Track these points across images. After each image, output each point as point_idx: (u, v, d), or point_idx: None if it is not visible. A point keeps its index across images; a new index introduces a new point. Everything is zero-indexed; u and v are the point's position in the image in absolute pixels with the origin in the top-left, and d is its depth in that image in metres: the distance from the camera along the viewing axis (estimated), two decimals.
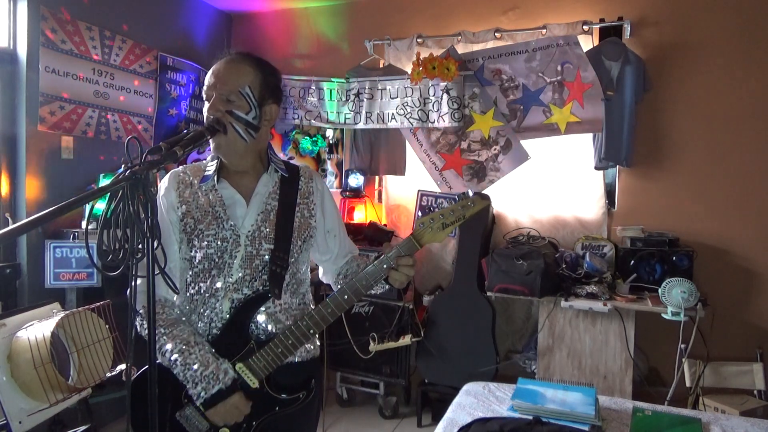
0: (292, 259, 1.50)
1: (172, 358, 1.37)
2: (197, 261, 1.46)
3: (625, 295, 3.06)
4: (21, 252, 3.01)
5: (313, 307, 1.57)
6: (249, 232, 1.46)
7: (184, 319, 1.46)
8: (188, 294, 1.48)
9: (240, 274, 1.45)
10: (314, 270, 1.71)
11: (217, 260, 1.44)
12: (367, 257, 1.72)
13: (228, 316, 1.44)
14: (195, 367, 1.36)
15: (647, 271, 3.17)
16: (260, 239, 1.46)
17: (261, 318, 1.46)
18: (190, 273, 1.47)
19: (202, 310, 1.46)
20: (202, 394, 1.35)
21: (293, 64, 4.25)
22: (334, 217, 1.63)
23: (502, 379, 2.82)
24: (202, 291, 1.46)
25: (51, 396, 2.18)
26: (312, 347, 1.57)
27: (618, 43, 3.33)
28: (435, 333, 3.43)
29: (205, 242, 1.44)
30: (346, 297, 1.42)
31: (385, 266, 1.41)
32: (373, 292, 1.49)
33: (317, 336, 1.51)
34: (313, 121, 3.92)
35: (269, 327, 1.46)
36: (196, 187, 1.49)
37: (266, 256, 1.46)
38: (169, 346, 1.38)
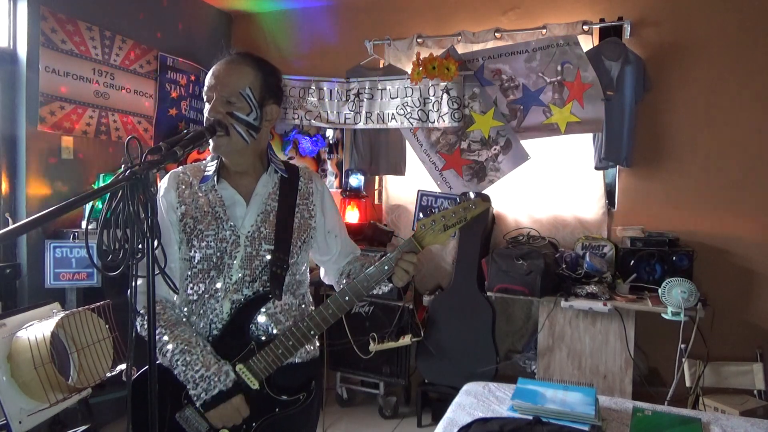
0: (292, 260, 1.50)
1: (174, 358, 1.37)
2: (196, 261, 1.45)
3: (625, 295, 3.06)
4: (21, 252, 3.01)
5: (312, 308, 1.56)
6: (249, 232, 1.46)
7: (185, 319, 1.46)
8: (187, 295, 1.48)
9: (240, 275, 1.44)
10: (314, 270, 1.71)
11: (216, 261, 1.44)
12: (366, 257, 1.71)
13: (228, 317, 1.44)
14: (197, 368, 1.36)
15: (647, 271, 3.17)
16: (260, 240, 1.46)
17: (261, 319, 1.45)
18: (190, 273, 1.47)
19: (202, 311, 1.46)
20: (203, 395, 1.35)
21: (293, 64, 4.25)
22: (334, 218, 1.63)
23: (502, 379, 2.82)
24: (201, 292, 1.45)
25: (51, 396, 2.17)
26: (312, 348, 1.57)
27: (618, 43, 3.33)
28: (435, 333, 3.43)
29: (205, 243, 1.44)
30: (347, 298, 1.42)
31: (386, 267, 1.41)
32: (375, 291, 1.49)
33: (317, 337, 1.51)
34: (313, 121, 3.92)
35: (269, 328, 1.46)
36: (195, 188, 1.49)
37: (266, 257, 1.46)
38: (170, 347, 1.38)
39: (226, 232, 1.45)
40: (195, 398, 1.36)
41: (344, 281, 1.61)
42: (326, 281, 1.74)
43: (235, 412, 1.37)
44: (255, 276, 1.45)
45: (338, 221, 1.65)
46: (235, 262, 1.44)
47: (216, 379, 1.35)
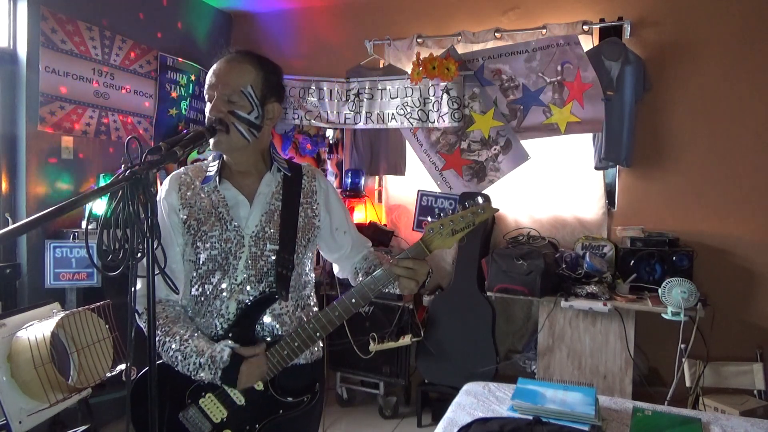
0: (297, 260, 1.49)
1: (172, 355, 1.37)
2: (201, 263, 1.45)
3: (625, 295, 3.06)
4: (21, 252, 3.01)
5: (316, 309, 1.56)
6: (253, 233, 1.45)
7: (182, 316, 1.45)
8: (193, 296, 1.47)
9: (245, 275, 1.44)
10: (315, 270, 1.71)
11: (221, 261, 1.44)
12: (380, 251, 1.70)
13: (234, 317, 1.44)
14: (193, 358, 1.35)
15: (647, 271, 3.17)
16: (264, 240, 1.45)
17: (267, 320, 1.45)
18: (195, 275, 1.46)
19: (207, 312, 1.45)
20: (215, 380, 1.35)
21: (293, 64, 4.24)
22: (341, 214, 1.62)
23: (502, 379, 2.82)
24: (207, 293, 1.45)
25: (51, 396, 2.17)
26: (316, 349, 1.56)
27: (618, 43, 3.33)
28: (435, 333, 3.43)
29: (209, 244, 1.43)
30: (353, 301, 1.41)
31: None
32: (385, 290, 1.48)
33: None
34: (313, 121, 3.92)
35: (275, 329, 1.46)
36: (198, 189, 1.48)
37: (271, 257, 1.45)
38: (169, 344, 1.38)
39: (230, 233, 1.44)
40: (213, 382, 1.36)
41: (360, 278, 1.59)
42: (341, 276, 1.73)
43: (251, 375, 1.37)
44: (261, 276, 1.45)
45: (346, 217, 1.64)
46: (239, 262, 1.44)
47: (213, 361, 1.34)
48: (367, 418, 3.61)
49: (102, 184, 3.03)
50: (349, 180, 3.95)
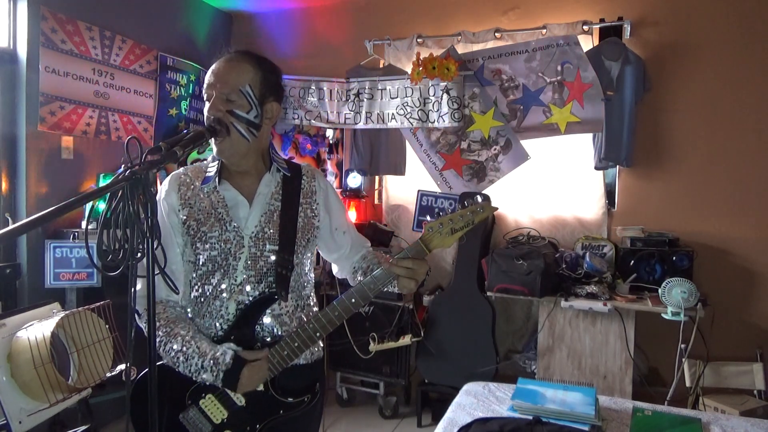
0: (297, 261, 1.49)
1: (174, 356, 1.37)
2: (201, 263, 1.45)
3: (625, 295, 3.06)
4: (21, 252, 3.01)
5: (316, 309, 1.56)
6: (252, 233, 1.45)
7: (183, 317, 1.45)
8: (193, 296, 1.47)
9: (244, 276, 1.44)
10: (315, 270, 1.71)
11: (221, 262, 1.43)
12: (378, 251, 1.70)
13: (234, 318, 1.43)
14: (195, 359, 1.35)
15: (647, 271, 3.17)
16: (264, 240, 1.45)
17: (267, 320, 1.45)
18: (194, 275, 1.46)
19: (207, 313, 1.45)
20: (216, 382, 1.35)
21: (293, 64, 4.24)
22: (340, 214, 1.62)
23: (502, 379, 2.83)
24: (207, 293, 1.45)
25: (51, 396, 2.17)
26: (317, 349, 1.56)
27: (618, 43, 3.33)
28: (435, 333, 3.43)
29: (208, 244, 1.43)
30: (353, 300, 1.40)
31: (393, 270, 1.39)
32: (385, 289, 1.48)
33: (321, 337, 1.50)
34: (313, 121, 3.91)
35: (275, 329, 1.45)
36: (197, 189, 1.48)
37: (271, 258, 1.45)
38: (170, 345, 1.38)
39: (230, 234, 1.44)
40: (215, 384, 1.36)
41: (359, 278, 1.59)
42: (339, 276, 1.73)
43: (252, 379, 1.36)
44: (260, 277, 1.44)
45: (345, 217, 1.64)
46: (239, 263, 1.44)
47: (215, 363, 1.34)
48: (367, 418, 3.61)
49: (102, 184, 3.04)
50: (349, 180, 3.95)
